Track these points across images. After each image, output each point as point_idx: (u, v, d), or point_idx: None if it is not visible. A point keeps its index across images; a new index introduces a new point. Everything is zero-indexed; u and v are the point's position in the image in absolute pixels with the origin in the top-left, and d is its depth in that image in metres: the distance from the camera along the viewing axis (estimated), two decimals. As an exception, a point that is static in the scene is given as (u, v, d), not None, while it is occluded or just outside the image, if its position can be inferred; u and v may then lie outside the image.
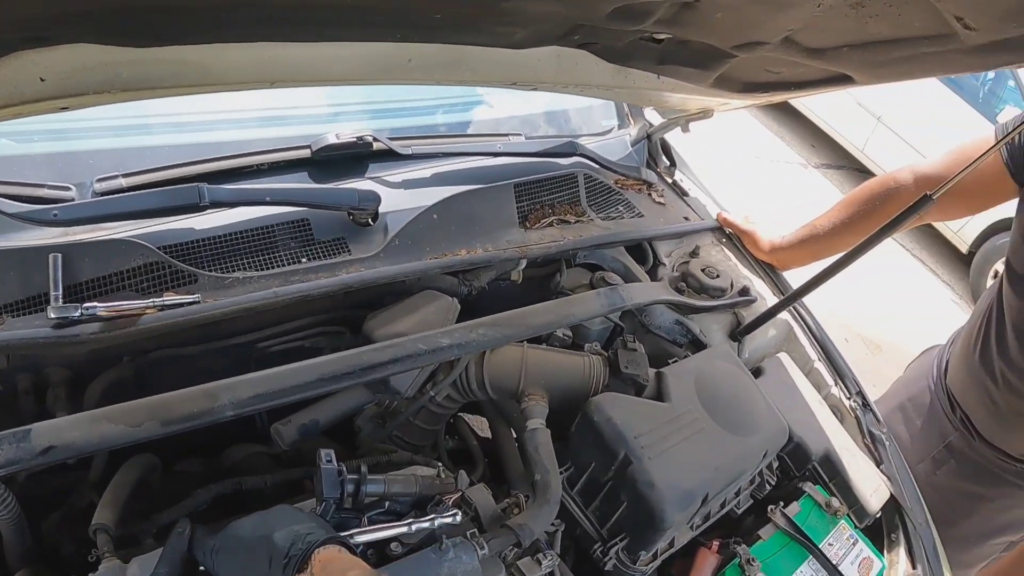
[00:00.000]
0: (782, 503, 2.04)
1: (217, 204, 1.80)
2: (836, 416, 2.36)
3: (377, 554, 1.47)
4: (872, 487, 2.20)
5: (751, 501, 2.09)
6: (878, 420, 2.48)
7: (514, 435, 2.21)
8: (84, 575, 1.37)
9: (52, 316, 1.48)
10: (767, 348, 2.59)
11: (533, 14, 1.59)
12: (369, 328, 1.85)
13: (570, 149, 2.58)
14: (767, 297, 2.60)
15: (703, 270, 2.50)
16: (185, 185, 1.77)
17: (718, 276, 2.50)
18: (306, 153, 2.12)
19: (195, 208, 1.77)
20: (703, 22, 1.64)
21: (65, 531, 1.65)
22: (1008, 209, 2.25)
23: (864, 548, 2.06)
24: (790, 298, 2.35)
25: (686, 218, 2.76)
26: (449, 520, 1.51)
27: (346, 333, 2.03)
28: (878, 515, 2.22)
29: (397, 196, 2.16)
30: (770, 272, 2.74)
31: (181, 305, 1.60)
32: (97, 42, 1.27)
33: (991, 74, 8.58)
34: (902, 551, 2.20)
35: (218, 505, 1.68)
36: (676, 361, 2.13)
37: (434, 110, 2.77)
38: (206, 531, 1.40)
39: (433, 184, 2.27)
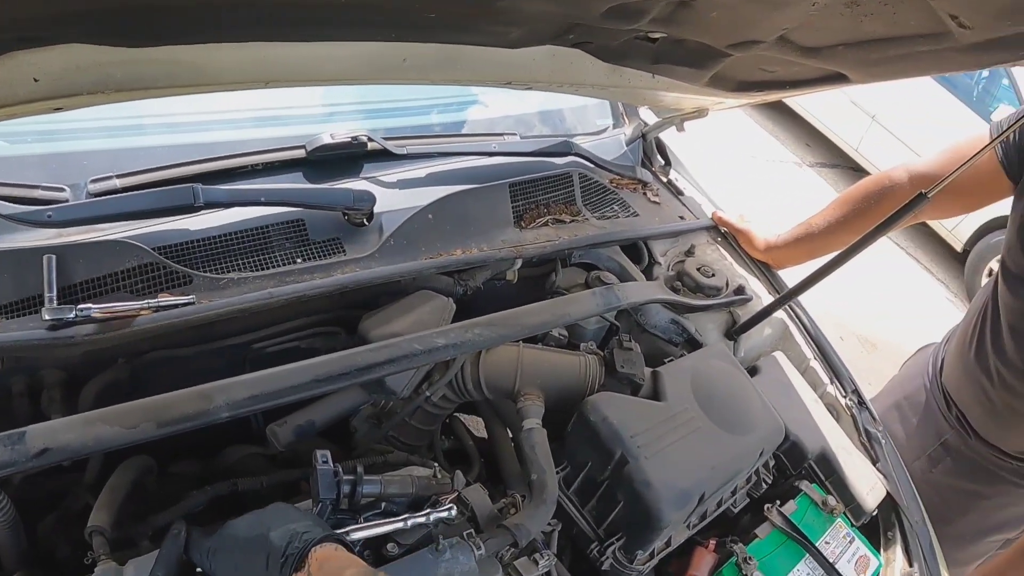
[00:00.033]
0: (778, 502, 2.05)
1: (212, 205, 1.79)
2: (832, 414, 2.37)
3: (374, 555, 1.47)
4: (868, 485, 2.20)
5: (747, 500, 2.09)
6: (874, 418, 2.48)
7: (510, 435, 2.21)
8: (80, 578, 1.37)
9: (46, 318, 1.47)
10: (763, 347, 2.59)
11: (528, 13, 1.58)
12: (364, 328, 1.85)
13: (565, 148, 2.58)
14: (762, 296, 2.60)
15: (698, 269, 2.50)
16: (179, 186, 1.77)
17: (713, 275, 2.50)
18: (301, 153, 2.11)
19: (190, 209, 1.77)
20: (698, 21, 1.64)
21: (61, 534, 1.64)
22: (1003, 207, 2.26)
23: (861, 546, 2.06)
24: (785, 297, 2.35)
25: (681, 217, 2.76)
26: (444, 515, 1.51)
27: (341, 334, 2.03)
28: (874, 513, 2.23)
29: (392, 196, 2.16)
30: (765, 271, 2.74)
31: (176, 306, 1.60)
32: (91, 42, 1.26)
33: (985, 72, 8.58)
34: (899, 549, 2.20)
35: (214, 507, 1.67)
36: (672, 360, 2.14)
37: (429, 110, 2.77)
38: (202, 532, 1.40)
39: (428, 184, 2.27)
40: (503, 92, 2.75)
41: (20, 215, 1.64)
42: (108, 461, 1.66)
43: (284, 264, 1.83)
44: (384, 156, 2.24)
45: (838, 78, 1.91)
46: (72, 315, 1.48)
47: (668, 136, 3.02)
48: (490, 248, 2.10)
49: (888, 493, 2.26)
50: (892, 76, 1.85)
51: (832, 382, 2.52)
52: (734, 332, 2.49)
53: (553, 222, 2.32)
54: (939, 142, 2.46)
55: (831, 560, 1.97)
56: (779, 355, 2.48)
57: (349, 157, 2.21)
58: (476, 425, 2.46)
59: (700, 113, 2.65)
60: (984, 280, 7.45)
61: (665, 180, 2.96)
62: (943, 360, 2.69)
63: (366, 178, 2.20)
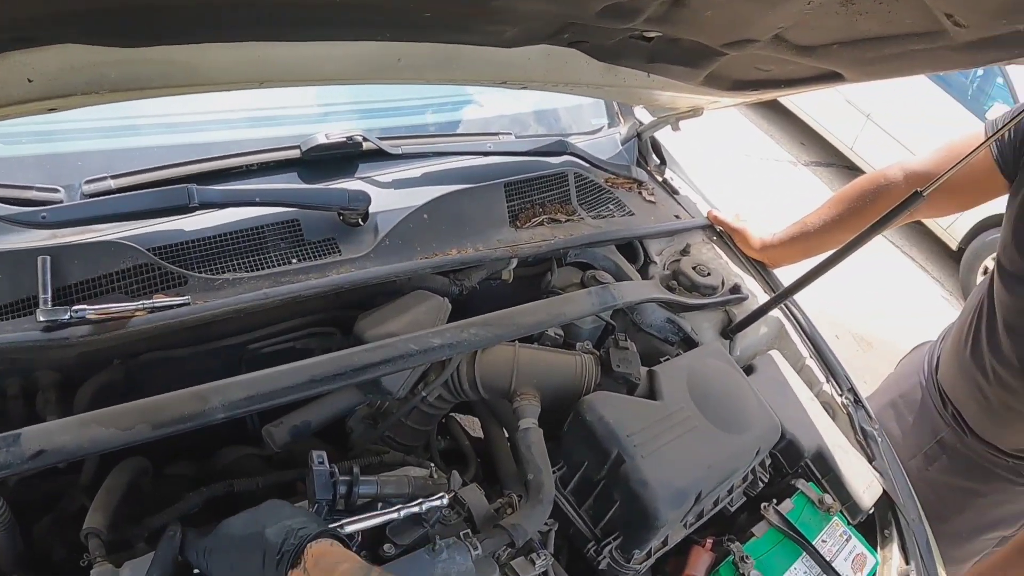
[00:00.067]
0: (775, 500, 2.05)
1: (206, 205, 1.79)
2: (828, 413, 2.37)
3: (371, 555, 1.47)
4: (865, 483, 2.20)
5: (744, 499, 2.09)
6: (870, 417, 2.48)
7: (506, 435, 2.21)
8: (75, 580, 1.37)
9: (41, 319, 1.47)
10: (758, 346, 2.59)
11: (523, 13, 1.58)
12: (360, 329, 1.85)
13: (560, 148, 2.58)
14: (758, 295, 2.60)
15: (694, 268, 2.50)
16: (174, 186, 1.77)
17: (709, 274, 2.50)
18: (296, 153, 2.11)
19: (184, 209, 1.77)
20: (693, 20, 1.64)
21: (57, 536, 1.64)
22: (998, 205, 2.26)
23: (857, 544, 2.06)
24: (781, 296, 2.35)
25: (677, 216, 2.76)
26: (437, 503, 1.52)
27: (337, 334, 2.02)
28: (871, 511, 2.23)
29: (387, 196, 2.15)
30: (761, 270, 2.74)
31: (171, 307, 1.59)
32: (85, 42, 1.26)
33: (980, 71, 8.60)
34: (895, 547, 2.20)
35: (210, 508, 1.67)
36: (668, 359, 2.14)
37: (424, 109, 2.77)
38: (197, 533, 1.40)
39: (423, 184, 2.27)
40: (498, 92, 2.75)
41: (14, 216, 1.63)
42: (104, 463, 1.65)
43: (279, 264, 1.82)
44: (379, 156, 2.24)
45: (833, 77, 1.91)
46: (67, 316, 1.47)
47: (663, 135, 3.02)
48: (485, 248, 2.10)
49: (884, 491, 2.26)
50: (887, 75, 1.85)
51: (828, 380, 2.53)
52: (730, 331, 2.49)
53: (548, 221, 2.32)
54: (934, 141, 2.47)
55: (828, 558, 1.97)
56: (775, 354, 2.48)
57: (344, 157, 2.21)
58: (472, 425, 2.46)
59: (695, 112, 2.65)
60: (979, 278, 7.47)
61: (660, 179, 2.96)
62: (939, 358, 2.70)
63: (361, 178, 2.19)
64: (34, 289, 1.51)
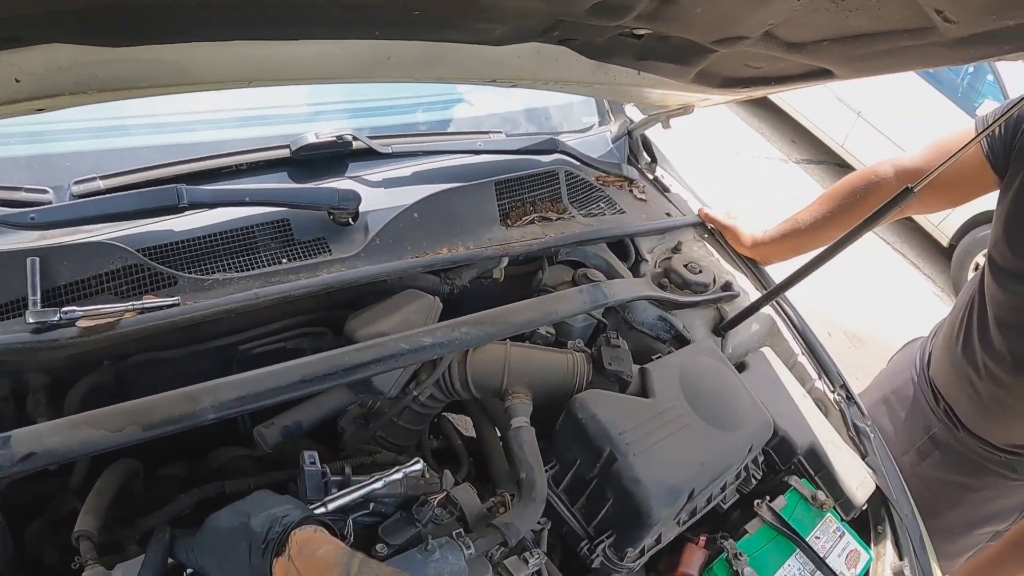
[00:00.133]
0: (768, 497, 2.05)
1: (196, 205, 1.78)
2: (820, 409, 2.37)
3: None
4: (858, 480, 2.21)
5: (737, 496, 2.09)
6: (862, 413, 2.49)
7: (499, 434, 2.21)
8: (67, 583, 1.37)
9: (31, 321, 1.46)
10: (750, 343, 2.60)
11: (512, 10, 1.58)
12: (351, 328, 1.85)
13: (551, 146, 2.58)
14: (750, 292, 2.60)
15: (685, 266, 2.50)
16: (164, 186, 1.75)
17: (700, 271, 2.50)
18: (285, 153, 2.10)
19: (174, 209, 1.76)
20: (683, 17, 1.63)
21: (48, 539, 1.64)
22: (989, 202, 2.26)
23: (851, 540, 2.07)
24: (773, 293, 2.36)
25: (668, 214, 2.76)
26: (417, 467, 1.55)
27: (328, 334, 2.02)
28: (864, 507, 2.23)
29: (377, 195, 2.15)
30: (752, 267, 2.75)
31: (161, 308, 1.59)
32: (72, 42, 1.25)
33: (970, 68, 8.62)
34: (889, 543, 2.21)
35: (202, 509, 1.66)
36: (660, 357, 2.13)
37: (414, 108, 2.76)
38: (186, 532, 1.40)
39: (413, 183, 2.26)
40: (488, 90, 2.74)
41: (3, 217, 1.62)
42: (95, 465, 1.65)
43: (270, 264, 1.82)
44: (369, 155, 2.24)
45: (823, 74, 1.91)
46: (56, 318, 1.47)
47: (654, 133, 3.02)
48: (476, 246, 2.10)
49: (877, 487, 2.26)
50: (877, 71, 1.85)
51: (820, 377, 2.53)
52: (722, 328, 2.49)
53: (539, 220, 2.32)
54: (925, 138, 2.47)
55: (822, 555, 1.97)
56: (767, 351, 2.48)
57: (334, 156, 2.20)
58: (464, 424, 2.45)
59: (686, 110, 2.65)
60: (971, 275, 7.48)
61: (651, 177, 2.96)
62: (930, 354, 2.70)
63: (351, 177, 2.19)
64: (23, 291, 1.50)
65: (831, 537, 2.03)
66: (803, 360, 2.56)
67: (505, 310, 1.93)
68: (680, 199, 2.92)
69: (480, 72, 1.97)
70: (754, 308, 2.41)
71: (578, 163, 2.65)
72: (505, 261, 2.23)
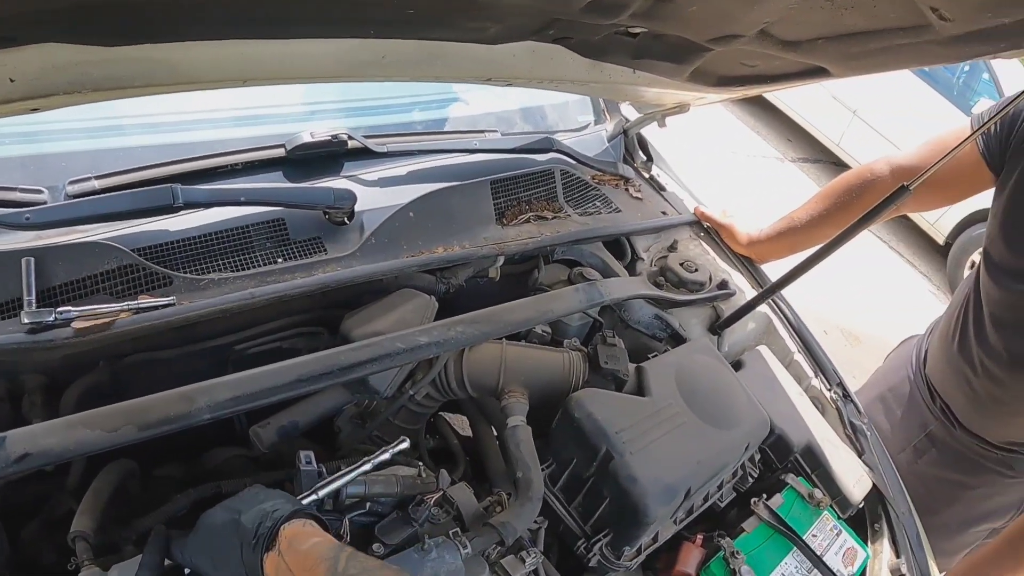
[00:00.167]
0: (765, 495, 2.05)
1: (191, 205, 1.78)
2: (817, 408, 2.37)
3: (359, 555, 1.46)
4: (854, 478, 2.21)
5: (734, 494, 2.09)
6: (859, 411, 2.49)
7: (495, 433, 2.20)
8: (64, 583, 1.36)
9: (26, 321, 1.45)
10: (747, 341, 2.60)
11: (507, 9, 1.58)
12: (346, 328, 1.84)
13: (546, 145, 2.58)
14: (746, 290, 2.60)
15: (681, 264, 2.50)
16: (158, 186, 1.75)
17: (696, 270, 2.50)
18: (281, 152, 2.10)
19: (169, 209, 1.76)
20: (678, 15, 1.63)
21: (44, 539, 1.64)
22: (984, 200, 2.27)
23: (848, 538, 2.07)
24: (769, 291, 2.36)
25: (664, 213, 2.76)
26: (403, 446, 1.57)
27: (324, 333, 2.02)
28: (861, 505, 2.24)
29: (373, 194, 2.15)
30: (748, 265, 2.75)
31: (156, 308, 1.58)
32: (66, 42, 1.25)
33: (966, 66, 8.65)
34: (886, 541, 2.21)
35: (198, 510, 1.65)
36: (656, 356, 2.13)
37: (409, 107, 2.76)
38: (182, 532, 1.40)
39: (409, 182, 2.26)
40: (484, 89, 2.74)
41: (-3, 218, 1.63)
42: (91, 465, 1.64)
43: (265, 264, 1.81)
44: (365, 154, 2.24)
45: (819, 72, 1.91)
46: (52, 318, 1.47)
47: (650, 132, 3.02)
48: (472, 245, 2.10)
49: (874, 485, 2.26)
50: (873, 70, 1.85)
51: (817, 375, 2.53)
52: (718, 327, 2.49)
53: (535, 219, 2.32)
54: (920, 136, 2.47)
55: (819, 553, 1.97)
56: (763, 349, 2.48)
57: (329, 156, 2.20)
58: (461, 424, 2.45)
59: (681, 108, 2.65)
60: (966, 272, 7.50)
61: (647, 176, 2.97)
62: (926, 352, 2.70)
63: (347, 177, 2.19)
64: (18, 291, 1.50)
65: (828, 535, 2.04)
66: (799, 358, 2.56)
67: (501, 309, 1.93)
68: (676, 198, 2.92)
69: (475, 71, 1.96)
70: (750, 306, 2.41)
71: (574, 162, 2.65)
72: (501, 260, 2.22)
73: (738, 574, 1.84)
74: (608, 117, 3.07)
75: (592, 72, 2.13)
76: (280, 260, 1.84)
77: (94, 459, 1.47)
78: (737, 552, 1.88)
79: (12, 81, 1.26)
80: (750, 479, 2.10)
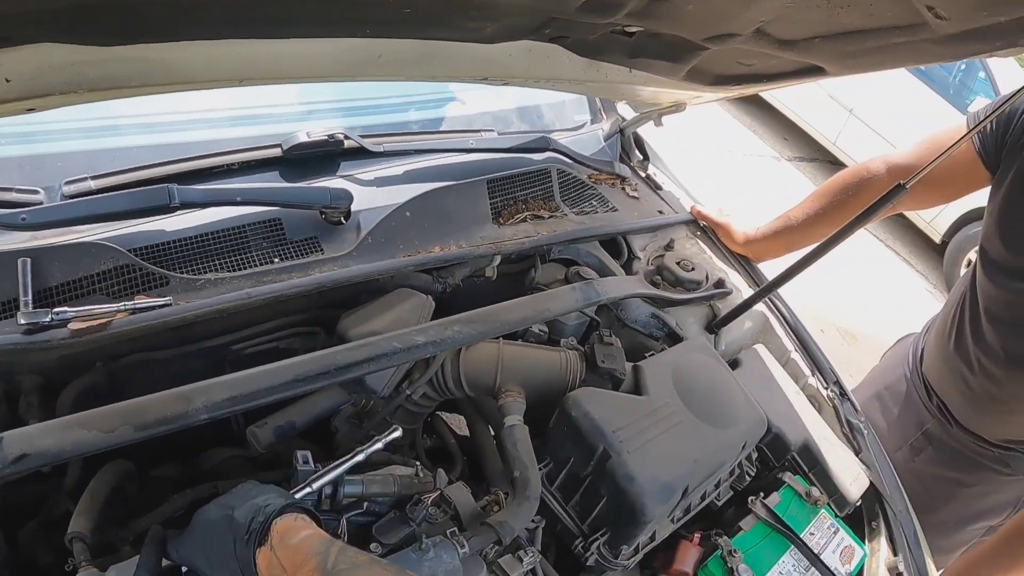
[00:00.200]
0: (762, 494, 2.05)
1: (187, 205, 1.78)
2: (814, 406, 2.37)
3: (356, 555, 1.46)
4: (852, 476, 2.21)
5: (731, 493, 2.09)
6: (856, 409, 2.49)
7: (492, 432, 2.21)
8: (62, 584, 1.36)
9: (22, 322, 1.45)
10: (743, 340, 2.60)
11: (503, 8, 1.58)
12: (343, 327, 1.84)
13: (543, 144, 2.57)
14: (742, 289, 2.60)
15: (678, 263, 2.50)
16: (155, 186, 1.75)
17: (693, 269, 2.50)
18: (277, 152, 2.10)
19: (165, 209, 1.75)
20: (674, 14, 1.63)
21: (42, 540, 1.63)
22: (981, 198, 2.27)
23: (845, 536, 2.07)
24: (765, 290, 2.36)
25: (660, 212, 2.76)
26: (396, 435, 1.57)
27: (320, 333, 2.01)
28: (858, 503, 2.24)
29: (369, 194, 2.14)
30: (745, 264, 2.75)
31: (153, 308, 1.58)
32: (62, 42, 1.25)
33: (962, 65, 8.66)
34: (883, 538, 2.21)
35: (195, 510, 1.65)
36: (653, 354, 2.13)
37: (406, 107, 2.76)
38: (178, 532, 1.40)
39: (405, 181, 2.26)
40: (480, 88, 2.75)
41: (-7, 218, 1.62)
42: (88, 466, 1.64)
43: (261, 264, 1.81)
44: (361, 154, 2.23)
45: (815, 71, 1.92)
46: (48, 319, 1.46)
47: (646, 131, 3.02)
48: (469, 245, 2.09)
49: (871, 483, 2.27)
50: (869, 68, 1.85)
51: (813, 374, 2.53)
52: (715, 325, 2.49)
53: (531, 218, 2.32)
54: (917, 135, 2.48)
55: (816, 551, 1.97)
56: (760, 348, 2.49)
57: (326, 155, 2.20)
58: (458, 423, 2.45)
59: (678, 107, 2.65)
60: (963, 271, 7.51)
61: (643, 175, 2.96)
62: (923, 350, 2.71)
63: (343, 176, 2.18)
64: (14, 292, 1.50)
65: (825, 533, 2.04)
66: (796, 357, 2.56)
67: (498, 308, 1.93)
68: (672, 197, 2.92)
69: (471, 70, 1.96)
70: (747, 305, 2.41)
71: (570, 161, 2.65)
72: (497, 259, 2.22)
73: (736, 573, 1.84)
74: (604, 116, 3.07)
75: (588, 71, 2.13)
76: (277, 260, 1.83)
77: (91, 460, 1.47)
78: (735, 551, 1.88)
79: (8, 81, 1.26)
80: (747, 478, 2.10)
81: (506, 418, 1.85)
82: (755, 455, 2.16)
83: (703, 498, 1.99)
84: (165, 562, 1.40)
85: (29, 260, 1.52)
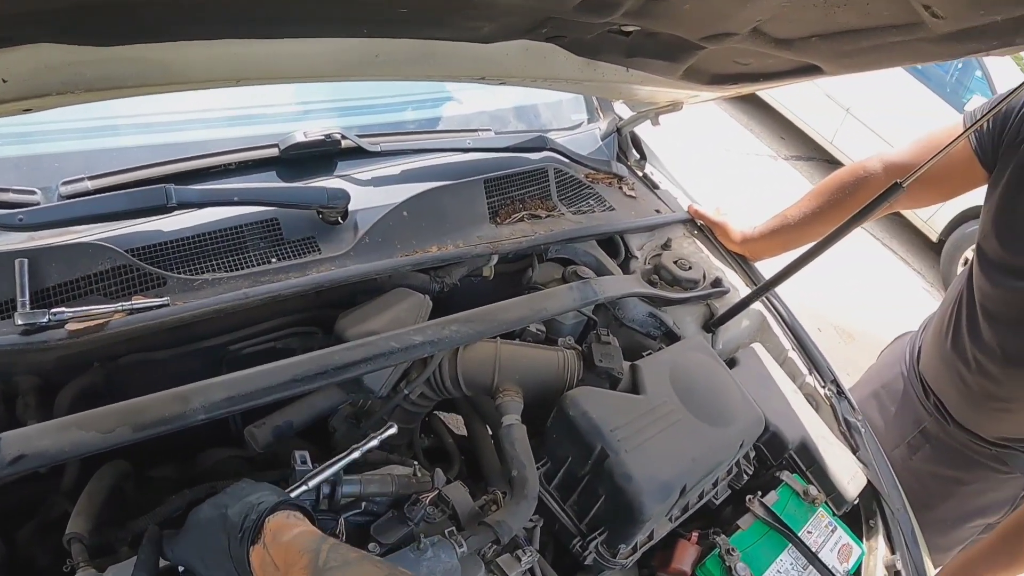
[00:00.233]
0: (760, 492, 2.05)
1: (185, 205, 1.77)
2: (811, 405, 2.38)
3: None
4: (849, 474, 2.21)
5: (729, 491, 2.09)
6: (853, 408, 2.50)
7: (490, 432, 2.20)
8: (60, 585, 1.36)
9: (19, 323, 1.45)
10: (741, 339, 2.60)
11: (501, 8, 1.58)
12: (341, 327, 1.84)
13: (540, 144, 2.57)
14: (740, 288, 2.60)
15: (675, 262, 2.50)
16: (152, 187, 1.75)
17: (690, 268, 2.51)
18: (274, 152, 2.09)
19: (162, 209, 1.75)
20: (671, 14, 1.64)
21: (39, 541, 1.63)
22: (977, 196, 2.27)
23: (843, 535, 2.07)
24: (762, 288, 2.36)
25: (657, 211, 2.76)
26: (391, 432, 1.57)
27: (318, 333, 2.01)
28: (856, 502, 2.24)
29: (367, 194, 2.14)
30: (742, 263, 2.75)
31: (150, 308, 1.58)
32: (59, 42, 1.25)
33: (959, 64, 8.67)
34: (881, 537, 2.21)
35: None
36: (650, 353, 2.13)
37: (403, 107, 2.76)
38: (174, 532, 1.39)
39: (402, 181, 2.25)
40: (477, 88, 2.74)
41: (-10, 219, 1.62)
42: (85, 467, 1.64)
43: (259, 264, 1.81)
44: (358, 154, 2.23)
45: (812, 70, 1.92)
46: (45, 319, 1.46)
47: (643, 130, 3.02)
48: (466, 244, 2.09)
49: (869, 481, 2.27)
50: (866, 67, 1.85)
51: (811, 372, 2.54)
52: (712, 324, 2.49)
53: (529, 217, 2.32)
54: (913, 134, 2.48)
55: (814, 549, 1.97)
56: (757, 347, 2.49)
57: (323, 155, 2.19)
58: (456, 423, 2.45)
59: (675, 107, 2.65)
60: (960, 269, 7.52)
61: (641, 174, 2.97)
62: (920, 348, 2.71)
63: (340, 176, 2.18)
64: (11, 292, 1.49)
65: (823, 532, 2.04)
66: (793, 355, 2.56)
67: (495, 308, 1.93)
68: (669, 196, 2.92)
69: (468, 70, 1.96)
70: (744, 304, 2.41)
71: (567, 160, 2.65)
72: (495, 259, 2.22)
73: (734, 571, 1.84)
74: (601, 115, 3.07)
75: (585, 70, 2.13)
76: (274, 260, 1.83)
77: (89, 461, 1.46)
78: (732, 549, 1.88)
79: (5, 82, 1.26)
80: (745, 476, 2.11)
81: (504, 417, 1.85)
82: (753, 454, 2.16)
83: (701, 497, 1.99)
84: (163, 562, 1.40)
85: (26, 261, 1.51)
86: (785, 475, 2.12)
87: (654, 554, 1.93)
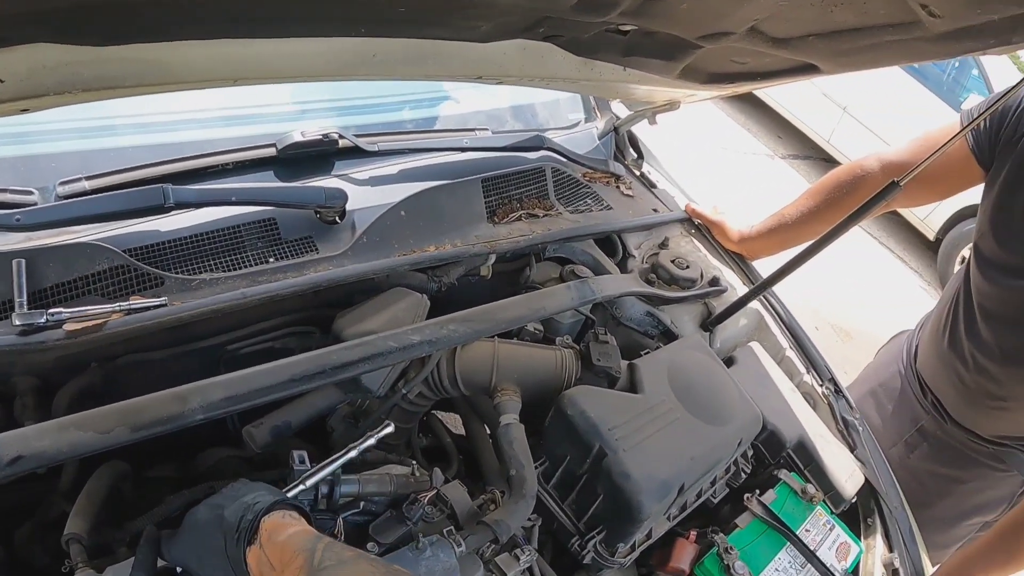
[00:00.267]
0: (758, 491, 2.05)
1: (182, 205, 1.77)
2: (809, 403, 2.38)
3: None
4: (847, 473, 2.21)
5: (727, 490, 2.09)
6: (851, 406, 2.50)
7: (488, 431, 2.20)
8: (58, 586, 1.36)
9: (17, 323, 1.45)
10: (738, 337, 2.60)
11: (498, 7, 1.58)
12: (339, 327, 1.84)
13: (537, 143, 2.57)
14: (737, 287, 2.61)
15: (673, 261, 2.50)
16: (149, 186, 1.74)
17: (688, 267, 2.51)
18: (271, 151, 2.09)
19: (160, 209, 1.75)
20: (668, 13, 1.64)
21: (38, 542, 1.62)
22: (974, 195, 2.28)
23: (841, 533, 2.07)
24: (760, 287, 2.36)
25: (655, 210, 2.77)
26: (388, 431, 1.56)
27: (316, 333, 2.01)
28: (854, 500, 2.24)
29: (364, 193, 2.14)
30: (739, 262, 2.75)
31: (148, 308, 1.58)
32: (56, 42, 1.24)
33: (956, 63, 8.68)
34: (879, 535, 2.21)
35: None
36: (648, 353, 2.13)
37: (400, 106, 2.76)
38: (172, 532, 1.39)
39: (400, 180, 2.26)
40: (475, 87, 2.75)
41: (-12, 219, 1.62)
42: (83, 467, 1.64)
43: (256, 264, 1.81)
44: (356, 153, 2.23)
45: (809, 69, 1.92)
46: (43, 320, 1.46)
47: (640, 129, 3.02)
48: (464, 244, 2.09)
49: (867, 480, 2.27)
50: (863, 66, 1.85)
51: (808, 371, 2.54)
52: (710, 323, 2.49)
53: (526, 217, 2.32)
54: (911, 133, 2.48)
55: (812, 548, 1.97)
56: (755, 345, 2.49)
57: (320, 155, 2.19)
58: (454, 422, 2.45)
59: (672, 106, 2.65)
60: (957, 267, 7.52)
61: (638, 173, 2.97)
62: (917, 346, 2.71)
63: (338, 176, 2.18)
64: (9, 293, 1.49)
65: (821, 530, 2.04)
66: (791, 354, 2.56)
67: (493, 307, 1.93)
68: (667, 195, 2.92)
69: (466, 69, 1.96)
70: (742, 303, 2.41)
71: (565, 160, 2.65)
72: (492, 258, 2.22)
73: (732, 569, 1.84)
74: (599, 115, 3.08)
75: (583, 70, 2.13)
76: (272, 260, 1.83)
77: (87, 461, 1.46)
78: (731, 548, 1.88)
79: (2, 82, 1.26)
80: (743, 475, 2.11)
81: (502, 417, 1.85)
82: (751, 452, 2.16)
83: (699, 495, 1.99)
84: (161, 563, 1.40)
85: (24, 261, 1.51)
86: (783, 474, 2.12)
87: (652, 553, 1.93)
